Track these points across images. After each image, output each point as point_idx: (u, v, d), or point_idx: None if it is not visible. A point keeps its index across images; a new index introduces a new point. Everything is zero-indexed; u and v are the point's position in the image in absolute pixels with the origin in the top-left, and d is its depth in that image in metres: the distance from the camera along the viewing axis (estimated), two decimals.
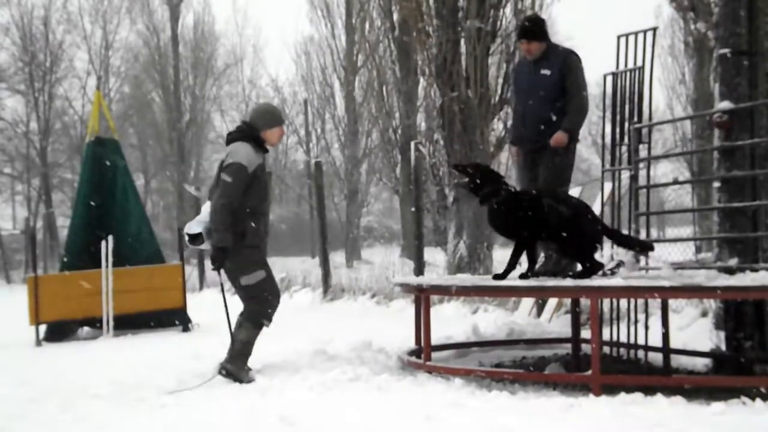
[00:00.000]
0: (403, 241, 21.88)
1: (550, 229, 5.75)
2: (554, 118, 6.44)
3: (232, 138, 6.09)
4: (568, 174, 6.64)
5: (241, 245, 5.91)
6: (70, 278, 9.54)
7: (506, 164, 12.88)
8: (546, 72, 6.44)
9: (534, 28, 6.54)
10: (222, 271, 6.07)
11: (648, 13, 41.46)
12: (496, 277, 5.93)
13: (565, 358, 6.65)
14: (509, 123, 10.99)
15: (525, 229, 5.82)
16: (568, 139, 6.42)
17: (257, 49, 46.49)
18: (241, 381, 5.79)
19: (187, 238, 6.09)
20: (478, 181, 5.97)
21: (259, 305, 6.03)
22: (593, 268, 5.72)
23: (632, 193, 6.54)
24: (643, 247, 6.05)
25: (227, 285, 6.28)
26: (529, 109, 6.55)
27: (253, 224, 5.96)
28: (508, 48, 12.08)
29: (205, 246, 6.04)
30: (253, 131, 6.05)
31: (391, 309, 10.97)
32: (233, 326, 6.11)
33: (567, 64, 6.45)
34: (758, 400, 4.68)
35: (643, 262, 6.41)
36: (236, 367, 5.90)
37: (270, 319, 6.08)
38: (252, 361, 6.34)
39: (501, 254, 13.00)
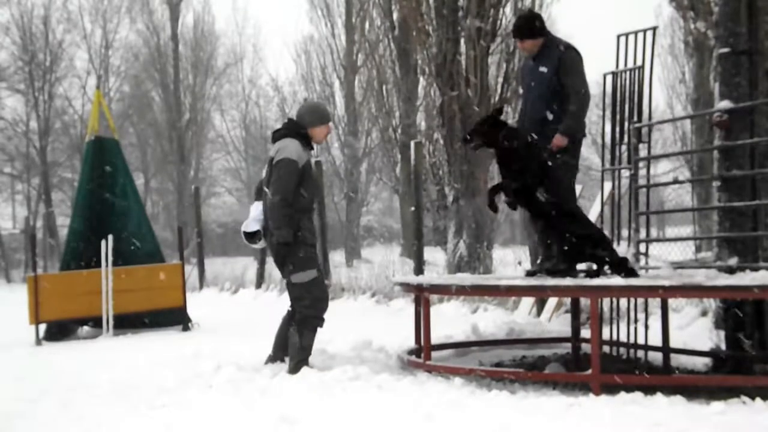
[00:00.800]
0: (402, 241, 21.89)
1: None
2: (550, 116, 6.28)
3: (279, 135, 6.12)
4: (574, 172, 6.43)
5: (297, 242, 5.93)
6: (70, 277, 9.54)
7: None
8: (543, 69, 6.29)
9: (524, 25, 6.43)
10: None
11: (648, 13, 41.57)
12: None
13: (565, 357, 6.66)
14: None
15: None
16: (567, 141, 6.20)
17: (257, 48, 46.74)
18: None
19: (244, 236, 6.14)
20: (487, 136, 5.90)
21: (310, 307, 5.99)
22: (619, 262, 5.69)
23: (632, 192, 6.54)
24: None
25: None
26: (529, 107, 6.49)
27: (306, 221, 6.01)
28: (508, 47, 12.07)
29: (262, 244, 6.13)
30: (299, 128, 6.09)
31: (391, 308, 10.97)
32: (291, 335, 6.04)
33: (563, 60, 6.24)
34: (758, 400, 4.68)
35: (643, 262, 6.42)
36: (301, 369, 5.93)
37: (323, 320, 6.05)
38: (252, 361, 6.34)
39: (501, 254, 13.04)
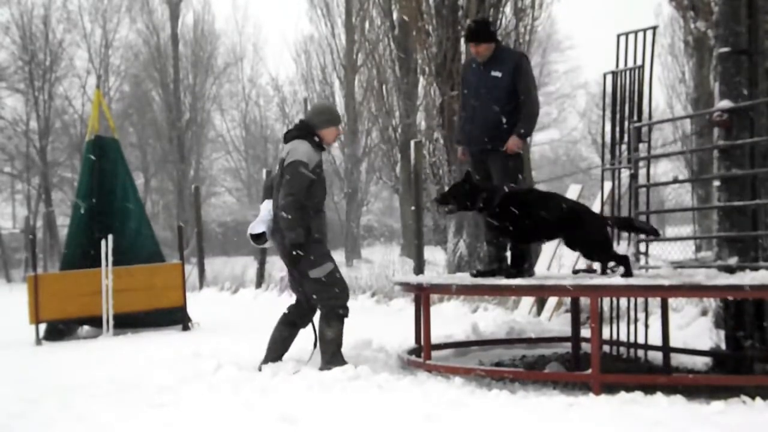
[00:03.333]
0: (402, 240, 21.87)
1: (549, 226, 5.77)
2: (504, 120, 6.34)
3: (290, 136, 6.17)
4: (521, 175, 6.55)
5: (309, 240, 5.99)
6: (70, 277, 9.54)
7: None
8: (497, 74, 6.35)
9: (481, 29, 6.46)
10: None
11: (648, 12, 41.54)
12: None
13: (565, 356, 6.66)
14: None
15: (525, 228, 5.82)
16: (521, 141, 6.37)
17: (257, 47, 46.41)
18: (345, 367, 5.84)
19: (250, 238, 6.19)
20: (465, 200, 5.94)
21: (334, 298, 6.04)
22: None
23: (632, 191, 6.54)
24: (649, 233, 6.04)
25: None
26: (479, 111, 6.45)
27: (317, 219, 6.08)
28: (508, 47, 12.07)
29: (268, 244, 6.20)
30: (310, 129, 6.14)
31: (391, 308, 10.98)
32: (320, 330, 6.12)
33: (519, 66, 6.36)
34: (758, 399, 4.68)
35: (643, 261, 6.42)
36: (337, 359, 5.98)
37: (347, 309, 6.09)
38: (252, 361, 6.35)
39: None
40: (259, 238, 6.14)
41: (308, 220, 5.98)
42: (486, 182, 6.27)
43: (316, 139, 6.12)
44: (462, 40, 11.83)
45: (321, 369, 5.90)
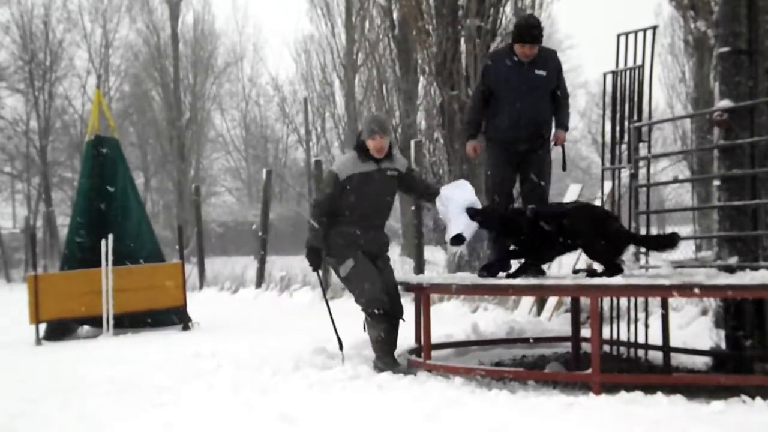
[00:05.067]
0: (403, 240, 21.85)
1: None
2: (551, 118, 6.58)
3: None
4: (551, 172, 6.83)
5: (334, 237, 6.09)
6: (70, 277, 9.54)
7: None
8: (542, 73, 6.44)
9: (540, 32, 6.47)
10: (320, 272, 6.40)
11: (648, 12, 41.54)
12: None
13: (565, 356, 6.66)
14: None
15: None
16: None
17: (257, 47, 46.77)
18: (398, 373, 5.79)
19: (450, 242, 6.17)
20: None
21: (361, 297, 6.03)
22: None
23: (632, 191, 6.53)
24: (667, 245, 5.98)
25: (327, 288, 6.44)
26: (522, 110, 6.44)
27: (344, 226, 6.09)
28: None
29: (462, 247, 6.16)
30: (359, 140, 6.19)
31: None
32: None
33: (559, 64, 6.60)
34: (758, 399, 4.67)
35: (643, 261, 6.42)
36: (384, 363, 5.95)
37: (377, 305, 5.95)
38: (252, 360, 6.35)
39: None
40: (457, 239, 5.99)
41: (336, 224, 6.07)
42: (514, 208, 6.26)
43: (365, 149, 6.11)
44: (462, 40, 11.84)
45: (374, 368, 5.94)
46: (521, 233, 5.82)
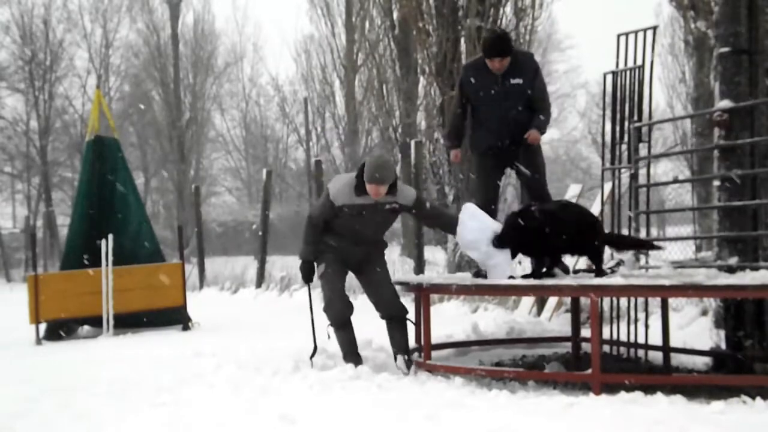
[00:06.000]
0: (403, 240, 21.86)
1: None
2: (528, 122, 6.45)
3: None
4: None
5: (321, 242, 6.16)
6: (70, 277, 9.54)
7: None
8: (518, 81, 6.40)
9: (507, 45, 6.42)
10: (311, 286, 6.34)
11: (648, 12, 41.55)
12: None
13: (565, 356, 6.66)
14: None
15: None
16: (540, 135, 6.46)
17: (257, 47, 46.49)
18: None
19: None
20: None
21: (324, 303, 6.13)
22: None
23: (632, 191, 6.54)
24: (647, 248, 6.06)
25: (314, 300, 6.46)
26: (499, 118, 6.45)
27: (337, 233, 6.11)
28: None
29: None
30: (359, 173, 6.00)
31: None
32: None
33: (535, 70, 6.51)
34: (758, 399, 4.67)
35: (643, 261, 6.42)
36: (345, 360, 6.06)
37: (330, 317, 6.10)
38: (252, 360, 6.35)
39: None
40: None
41: (316, 241, 6.12)
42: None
43: (362, 184, 5.95)
44: (462, 40, 11.84)
45: None
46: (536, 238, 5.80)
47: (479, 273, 6.19)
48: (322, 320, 6.21)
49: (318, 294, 6.44)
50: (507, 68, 6.42)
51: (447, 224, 6.34)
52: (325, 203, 6.07)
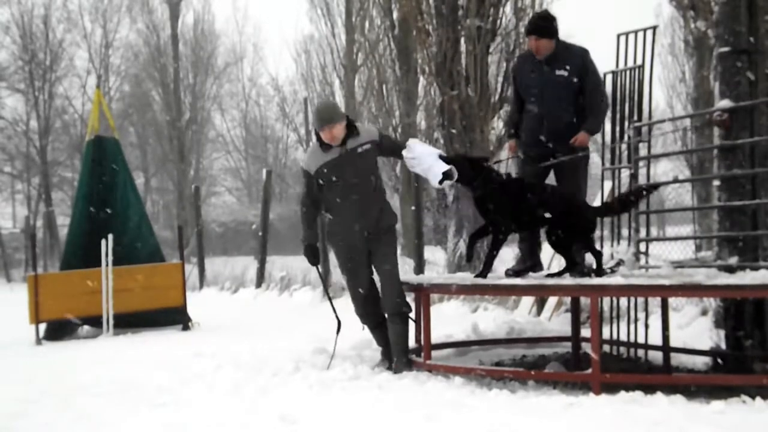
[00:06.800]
0: (403, 240, 21.87)
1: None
2: (574, 120, 6.26)
3: None
4: (586, 179, 6.49)
5: (328, 234, 6.26)
6: (70, 277, 9.54)
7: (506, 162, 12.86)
8: (562, 73, 6.19)
9: (545, 24, 6.27)
10: (319, 267, 6.44)
11: (648, 12, 41.52)
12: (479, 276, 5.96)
13: (565, 356, 6.66)
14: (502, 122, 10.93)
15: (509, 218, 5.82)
16: (589, 139, 6.27)
17: (257, 47, 46.81)
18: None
19: (439, 183, 5.93)
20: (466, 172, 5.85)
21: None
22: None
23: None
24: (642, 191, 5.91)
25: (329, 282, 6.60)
26: (545, 113, 6.28)
27: (330, 217, 6.17)
28: (508, 46, 12.05)
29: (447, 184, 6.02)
30: (316, 132, 6.06)
31: None
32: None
33: (585, 65, 6.22)
34: (758, 399, 4.68)
35: (643, 261, 6.42)
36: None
37: (361, 317, 6.31)
38: (252, 361, 6.34)
39: (501, 253, 12.99)
40: (447, 176, 5.82)
41: (313, 222, 6.19)
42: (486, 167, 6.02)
43: (320, 139, 6.01)
44: (462, 40, 11.83)
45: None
46: (487, 181, 5.80)
47: (481, 274, 6.17)
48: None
49: (334, 293, 6.50)
50: (551, 58, 6.21)
51: (397, 149, 6.18)
52: (304, 179, 6.12)
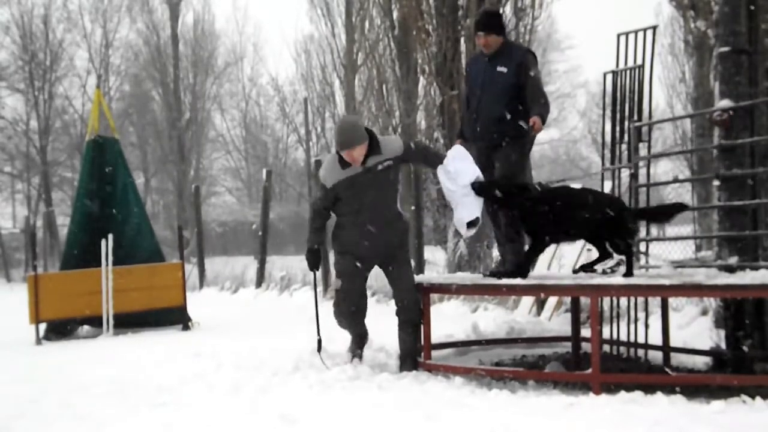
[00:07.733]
0: None
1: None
2: (508, 116, 6.19)
3: None
4: (523, 170, 6.43)
5: (335, 240, 6.14)
6: (70, 277, 9.53)
7: None
8: (502, 69, 6.19)
9: (492, 20, 6.30)
10: (317, 273, 6.34)
11: (648, 12, 41.57)
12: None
13: (565, 356, 6.66)
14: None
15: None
16: (541, 123, 6.02)
17: (257, 47, 46.71)
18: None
19: (465, 227, 5.95)
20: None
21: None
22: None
23: (632, 191, 6.54)
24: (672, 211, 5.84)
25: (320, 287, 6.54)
26: (483, 106, 6.27)
27: (347, 229, 6.04)
28: None
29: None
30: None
31: (390, 307, 10.90)
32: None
33: (525, 63, 6.18)
34: (758, 399, 4.68)
35: (643, 261, 6.42)
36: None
37: (339, 324, 6.23)
38: (252, 360, 6.34)
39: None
40: (473, 224, 5.85)
41: (336, 231, 6.11)
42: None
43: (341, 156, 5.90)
44: (462, 40, 11.84)
45: None
46: (524, 209, 5.77)
47: (495, 273, 6.14)
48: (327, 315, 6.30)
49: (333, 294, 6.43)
50: (495, 55, 6.23)
51: (433, 161, 6.16)
52: (321, 187, 6.06)
